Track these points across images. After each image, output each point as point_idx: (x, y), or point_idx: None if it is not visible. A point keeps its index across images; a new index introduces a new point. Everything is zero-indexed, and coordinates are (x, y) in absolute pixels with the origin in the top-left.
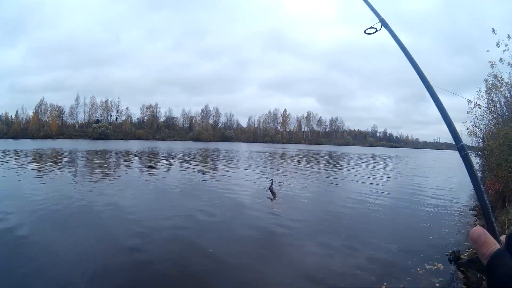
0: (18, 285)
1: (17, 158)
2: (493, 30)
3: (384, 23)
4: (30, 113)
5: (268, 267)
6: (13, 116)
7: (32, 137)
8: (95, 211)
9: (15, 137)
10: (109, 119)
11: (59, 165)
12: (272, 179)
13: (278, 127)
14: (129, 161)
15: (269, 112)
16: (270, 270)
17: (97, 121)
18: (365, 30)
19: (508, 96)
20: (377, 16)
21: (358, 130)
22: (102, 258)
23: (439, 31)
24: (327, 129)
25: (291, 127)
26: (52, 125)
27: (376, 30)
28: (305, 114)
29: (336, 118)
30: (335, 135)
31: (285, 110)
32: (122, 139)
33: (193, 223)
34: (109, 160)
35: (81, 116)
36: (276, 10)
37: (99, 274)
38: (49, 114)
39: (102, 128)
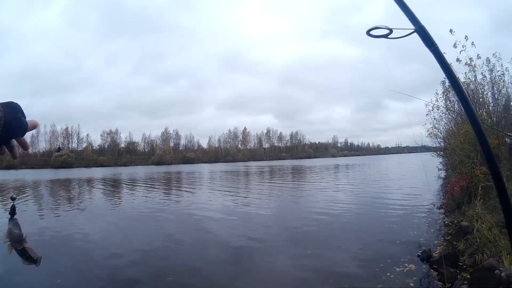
0: None
1: None
2: (451, 31)
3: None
4: None
5: (242, 283)
6: None
7: None
8: (63, 242)
9: None
10: (70, 146)
11: (24, 196)
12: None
13: (239, 146)
14: (93, 189)
15: (229, 131)
16: (246, 283)
17: (59, 149)
18: (369, 31)
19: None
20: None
21: (319, 142)
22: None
23: (387, 41)
24: (288, 144)
25: (251, 144)
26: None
27: (385, 35)
28: (265, 131)
29: (296, 132)
30: (296, 149)
31: (245, 128)
32: (84, 166)
33: (162, 247)
34: (74, 189)
35: (42, 145)
36: (231, 31)
37: None
38: None
39: (64, 157)
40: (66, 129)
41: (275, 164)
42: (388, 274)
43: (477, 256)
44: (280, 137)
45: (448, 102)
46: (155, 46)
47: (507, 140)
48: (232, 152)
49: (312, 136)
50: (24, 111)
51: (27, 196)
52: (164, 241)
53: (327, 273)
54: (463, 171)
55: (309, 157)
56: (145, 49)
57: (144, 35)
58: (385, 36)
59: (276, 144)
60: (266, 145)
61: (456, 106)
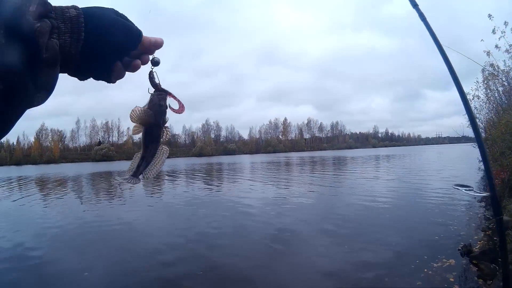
0: None
1: (22, 185)
2: (489, 16)
3: None
4: (32, 139)
5: (284, 269)
6: (15, 143)
7: (35, 162)
8: (108, 233)
9: (18, 163)
10: (110, 140)
11: (66, 190)
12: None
13: (280, 136)
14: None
15: (270, 122)
16: (286, 271)
17: (99, 143)
18: None
19: (506, 84)
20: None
21: (360, 132)
22: (124, 277)
23: (421, 31)
24: (329, 134)
25: (292, 135)
26: (54, 149)
27: None
28: (306, 121)
29: (337, 123)
30: (337, 140)
31: (285, 119)
32: (125, 159)
33: (206, 236)
34: (114, 181)
35: (83, 139)
36: (266, 27)
37: None
38: (50, 139)
39: (105, 150)
40: (107, 123)
41: (316, 154)
42: (430, 266)
43: None
44: (321, 128)
45: (488, 90)
46: (193, 44)
47: None
48: (272, 143)
49: (353, 126)
50: (130, 20)
51: (67, 189)
52: (203, 230)
53: (363, 267)
54: (504, 163)
55: (350, 147)
56: (183, 47)
57: (181, 34)
58: None
59: (317, 135)
60: (306, 135)
61: (496, 95)
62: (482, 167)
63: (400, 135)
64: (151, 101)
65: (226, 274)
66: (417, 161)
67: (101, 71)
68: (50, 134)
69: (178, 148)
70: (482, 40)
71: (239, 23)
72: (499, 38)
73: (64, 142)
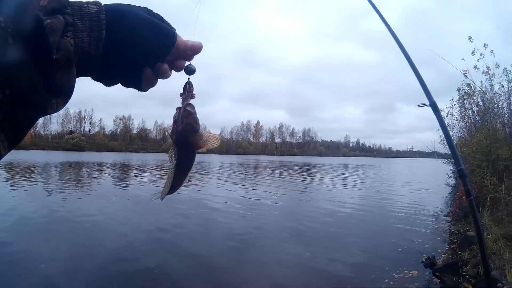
0: None
1: None
2: (470, 38)
3: None
4: None
5: (244, 271)
6: None
7: None
8: (73, 223)
9: None
10: (82, 130)
11: (35, 178)
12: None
13: (251, 139)
14: (102, 173)
15: (242, 124)
16: (245, 274)
17: (70, 132)
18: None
19: (481, 104)
20: None
21: (331, 140)
22: (87, 267)
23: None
24: (300, 140)
25: (263, 138)
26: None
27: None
28: (278, 126)
29: (309, 129)
30: (308, 146)
31: (258, 122)
32: (95, 150)
33: (169, 232)
34: (83, 172)
35: (55, 127)
36: (249, 30)
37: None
38: None
39: (75, 140)
40: (80, 112)
41: (286, 159)
42: (393, 276)
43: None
44: (293, 133)
45: (463, 109)
46: None
47: None
48: (243, 144)
49: (324, 134)
50: (164, 19)
51: (36, 177)
52: (167, 227)
53: (324, 274)
54: (473, 180)
55: (320, 154)
56: None
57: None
58: None
59: (288, 140)
60: (278, 140)
61: (471, 114)
62: (451, 182)
63: (371, 146)
64: (173, 119)
65: (184, 273)
66: (387, 173)
67: (129, 77)
68: None
69: (149, 143)
70: (463, 59)
71: (221, 24)
72: (478, 60)
73: (35, 128)
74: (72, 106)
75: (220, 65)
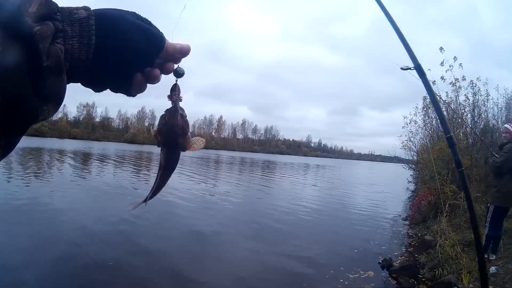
0: None
1: None
2: (441, 49)
3: None
4: None
5: (198, 269)
6: None
7: None
8: (32, 212)
9: None
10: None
11: None
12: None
13: (213, 133)
14: (63, 161)
15: (205, 118)
16: (200, 271)
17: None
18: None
19: (445, 113)
20: None
21: (293, 139)
22: (44, 258)
23: (368, 52)
24: (262, 138)
25: (226, 134)
26: None
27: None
28: (240, 122)
29: (271, 127)
30: (270, 144)
31: (221, 117)
32: (57, 137)
33: (125, 225)
34: (44, 159)
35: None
36: (220, 25)
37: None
38: None
39: (38, 125)
40: None
41: (247, 156)
42: (349, 276)
43: (437, 271)
44: (255, 130)
45: (426, 117)
46: None
47: (491, 159)
48: (205, 139)
49: (286, 133)
50: (152, 23)
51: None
52: (125, 220)
53: (279, 271)
54: (432, 186)
55: (281, 153)
56: None
57: None
58: None
59: (250, 136)
60: (240, 136)
61: (434, 123)
62: (410, 187)
63: (333, 147)
64: (159, 120)
65: (140, 267)
66: (348, 174)
67: (120, 83)
68: None
69: (111, 132)
70: (429, 69)
71: (192, 18)
72: (446, 71)
73: None
74: None
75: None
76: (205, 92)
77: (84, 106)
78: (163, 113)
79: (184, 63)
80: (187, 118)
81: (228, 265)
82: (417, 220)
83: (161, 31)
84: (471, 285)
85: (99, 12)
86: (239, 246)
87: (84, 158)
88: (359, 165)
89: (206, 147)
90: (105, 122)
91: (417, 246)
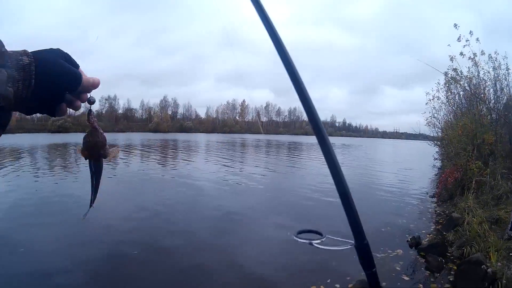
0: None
1: None
2: (455, 26)
3: None
4: None
5: (229, 249)
6: None
7: None
8: (60, 205)
9: None
10: (68, 112)
11: (21, 162)
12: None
13: (237, 118)
14: None
15: (228, 102)
16: (231, 251)
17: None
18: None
19: (467, 89)
20: None
21: None
22: (79, 249)
23: (383, 32)
24: (286, 119)
25: (249, 117)
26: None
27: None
28: (264, 105)
29: (295, 108)
30: (294, 125)
31: (244, 101)
32: (81, 131)
33: (154, 213)
34: (70, 154)
35: None
36: (231, 10)
37: (77, 264)
38: None
39: (61, 121)
40: None
41: (272, 138)
42: (377, 255)
43: (465, 249)
44: (279, 112)
45: (449, 93)
46: (157, 21)
47: None
48: (229, 123)
49: None
50: (73, 59)
51: (22, 161)
52: (155, 205)
53: (305, 252)
54: (458, 163)
55: (306, 134)
56: (147, 24)
57: (146, 11)
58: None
59: (274, 119)
60: (264, 119)
61: (457, 98)
62: (437, 164)
63: (358, 126)
64: (83, 140)
65: (168, 251)
66: (373, 152)
67: (48, 111)
68: None
69: (134, 123)
70: (449, 45)
71: (207, 4)
72: (464, 46)
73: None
74: None
75: (204, 45)
76: (225, 78)
77: (106, 99)
78: (85, 134)
79: (202, 49)
80: (104, 134)
81: (258, 246)
82: (444, 197)
83: (77, 65)
84: (499, 264)
85: (36, 56)
86: (264, 226)
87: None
88: (384, 143)
89: (231, 131)
90: (128, 113)
91: (444, 223)
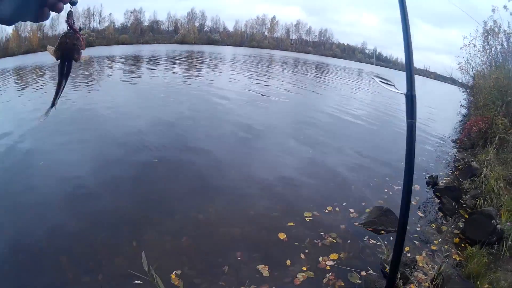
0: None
1: None
2: None
3: None
4: (10, 32)
5: (250, 160)
6: None
7: (13, 54)
8: (89, 115)
9: None
10: (91, 26)
11: (44, 79)
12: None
13: (266, 33)
14: (113, 67)
15: (257, 17)
16: (252, 162)
17: (79, 29)
18: None
19: (505, 44)
20: None
21: (347, 44)
22: (105, 149)
23: None
24: (316, 40)
25: (278, 34)
26: (32, 39)
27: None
28: (294, 23)
29: (326, 30)
30: (324, 46)
31: (274, 17)
32: (105, 45)
33: (178, 122)
34: (93, 67)
35: (63, 26)
36: None
37: (103, 171)
38: (29, 29)
39: (85, 36)
40: (88, 9)
41: (300, 56)
42: (388, 189)
43: (478, 200)
44: (309, 31)
45: (486, 43)
46: None
47: None
48: (258, 38)
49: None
50: None
51: (45, 78)
52: (176, 116)
53: (322, 176)
54: (485, 114)
55: (335, 56)
56: None
57: None
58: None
59: (303, 38)
60: (293, 36)
61: (493, 51)
62: (462, 111)
63: (388, 57)
64: (59, 40)
65: (189, 159)
66: (400, 87)
67: (32, 16)
68: (28, 23)
69: (160, 35)
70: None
71: None
72: (509, 0)
73: (43, 30)
74: (80, 3)
75: None
76: None
77: (131, 12)
78: (62, 35)
79: None
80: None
81: (273, 156)
82: (465, 145)
83: None
84: (508, 223)
85: None
86: (285, 141)
87: (134, 62)
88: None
89: (259, 46)
90: (154, 25)
91: (463, 171)
